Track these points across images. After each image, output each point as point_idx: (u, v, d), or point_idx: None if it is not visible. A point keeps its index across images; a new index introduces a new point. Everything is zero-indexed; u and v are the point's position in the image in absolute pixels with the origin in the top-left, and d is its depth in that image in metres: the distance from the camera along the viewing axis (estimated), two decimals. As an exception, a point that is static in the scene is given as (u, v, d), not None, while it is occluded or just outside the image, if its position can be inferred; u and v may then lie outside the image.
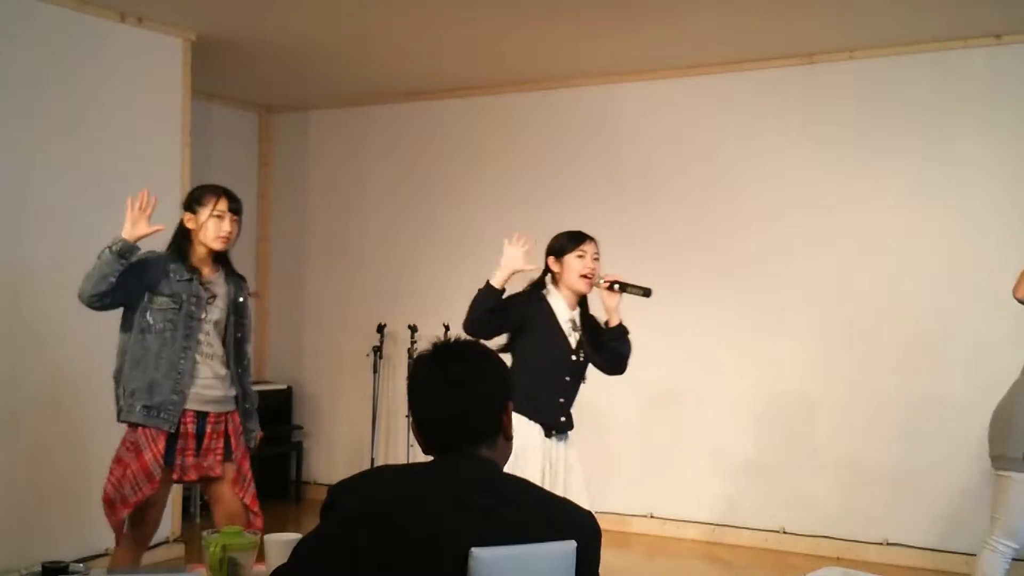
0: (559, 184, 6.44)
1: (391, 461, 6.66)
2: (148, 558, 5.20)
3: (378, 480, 1.84)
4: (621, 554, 5.58)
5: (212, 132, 6.94)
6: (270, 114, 7.47)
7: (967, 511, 5.21)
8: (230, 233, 3.61)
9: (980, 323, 5.29)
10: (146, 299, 3.52)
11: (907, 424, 5.45)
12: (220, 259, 3.71)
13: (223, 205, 3.59)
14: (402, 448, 6.75)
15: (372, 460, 6.77)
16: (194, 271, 3.59)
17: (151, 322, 3.52)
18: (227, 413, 3.66)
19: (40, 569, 2.19)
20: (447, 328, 6.40)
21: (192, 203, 3.63)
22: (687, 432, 6.01)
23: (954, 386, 5.33)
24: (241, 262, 7.34)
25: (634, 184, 6.22)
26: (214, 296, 3.63)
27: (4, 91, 4.74)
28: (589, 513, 1.85)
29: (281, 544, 2.21)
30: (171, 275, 3.54)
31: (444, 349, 1.90)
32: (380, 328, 6.84)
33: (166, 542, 5.35)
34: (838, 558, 5.51)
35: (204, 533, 2.31)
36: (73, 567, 2.24)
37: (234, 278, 3.76)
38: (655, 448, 6.08)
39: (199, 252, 3.62)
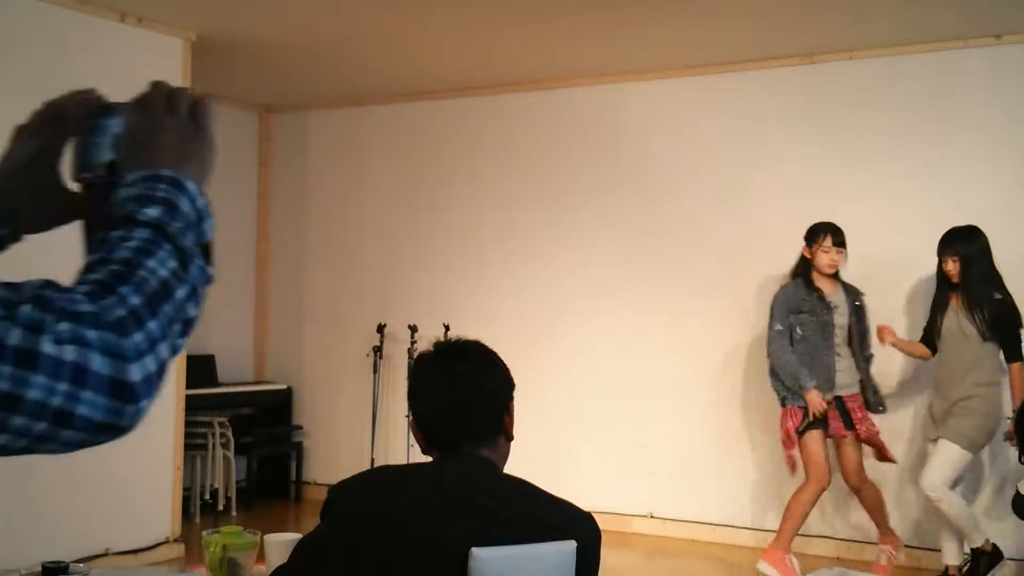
0: (559, 184, 6.44)
1: (391, 461, 6.65)
2: (148, 558, 5.23)
3: (378, 480, 1.84)
4: (621, 554, 5.58)
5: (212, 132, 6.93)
6: (270, 114, 7.47)
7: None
8: (835, 262, 4.95)
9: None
10: (791, 318, 4.91)
11: (907, 425, 5.44)
12: (835, 276, 5.01)
13: (828, 241, 4.93)
14: (402, 448, 6.75)
15: (372, 460, 6.77)
16: (816, 289, 4.94)
17: (800, 333, 4.91)
18: (853, 394, 4.98)
19: (40, 569, 2.19)
20: (447, 328, 6.40)
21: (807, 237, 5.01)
22: (687, 433, 6.01)
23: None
24: (241, 262, 7.41)
25: (634, 184, 6.22)
26: (836, 306, 4.93)
27: (4, 91, 4.73)
28: (589, 514, 1.85)
29: (281, 544, 2.21)
30: (803, 297, 4.93)
31: (445, 348, 1.91)
32: (380, 328, 6.84)
33: (166, 542, 5.35)
34: (838, 558, 5.51)
35: (204, 533, 2.31)
36: (73, 567, 2.23)
37: (850, 289, 5.04)
38: (655, 448, 6.07)
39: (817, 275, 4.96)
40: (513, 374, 1.92)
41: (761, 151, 5.90)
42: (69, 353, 0.78)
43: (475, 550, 1.66)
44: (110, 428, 0.82)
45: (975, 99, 5.39)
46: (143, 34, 5.29)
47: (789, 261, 5.77)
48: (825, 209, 5.70)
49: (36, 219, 1.10)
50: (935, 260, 5.00)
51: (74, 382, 0.79)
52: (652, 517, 6.07)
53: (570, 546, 1.75)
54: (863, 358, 5.05)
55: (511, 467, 1.90)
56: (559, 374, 6.28)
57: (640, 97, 6.26)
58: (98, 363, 0.79)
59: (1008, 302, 4.81)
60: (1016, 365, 4.78)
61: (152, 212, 0.89)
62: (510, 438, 1.90)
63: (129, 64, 5.27)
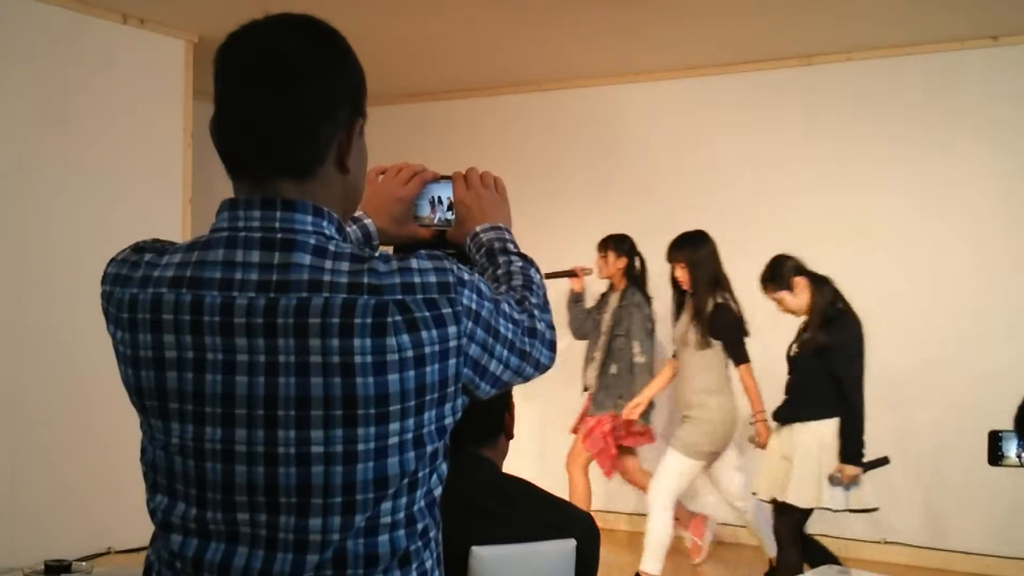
0: (559, 184, 6.45)
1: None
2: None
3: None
4: (621, 554, 5.59)
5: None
6: (271, 114, 7.47)
7: (962, 508, 5.22)
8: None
9: (980, 321, 5.29)
10: None
11: (907, 423, 5.45)
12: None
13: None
14: (402, 448, 6.75)
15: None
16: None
17: None
18: None
19: (43, 567, 2.20)
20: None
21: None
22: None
23: (954, 384, 5.34)
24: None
25: (634, 185, 6.23)
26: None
27: (5, 92, 4.75)
28: (588, 514, 1.87)
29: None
30: None
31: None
32: (380, 328, 6.84)
33: (167, 541, 5.36)
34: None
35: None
36: (76, 565, 2.25)
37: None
38: (655, 448, 6.07)
39: None
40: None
41: (760, 152, 5.91)
42: (540, 326, 1.35)
43: (475, 549, 1.67)
44: (545, 368, 1.37)
45: (973, 100, 5.40)
46: (145, 36, 5.30)
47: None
48: (823, 210, 5.72)
49: (393, 240, 1.60)
50: (936, 259, 5.02)
51: (541, 343, 1.34)
52: (652, 516, 6.07)
53: (570, 545, 1.76)
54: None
55: (512, 466, 1.92)
56: (557, 372, 6.28)
57: (640, 97, 6.27)
58: (548, 333, 1.37)
59: (729, 306, 4.71)
60: (743, 367, 4.69)
61: (512, 247, 1.50)
62: (511, 436, 1.91)
63: (131, 65, 5.28)
